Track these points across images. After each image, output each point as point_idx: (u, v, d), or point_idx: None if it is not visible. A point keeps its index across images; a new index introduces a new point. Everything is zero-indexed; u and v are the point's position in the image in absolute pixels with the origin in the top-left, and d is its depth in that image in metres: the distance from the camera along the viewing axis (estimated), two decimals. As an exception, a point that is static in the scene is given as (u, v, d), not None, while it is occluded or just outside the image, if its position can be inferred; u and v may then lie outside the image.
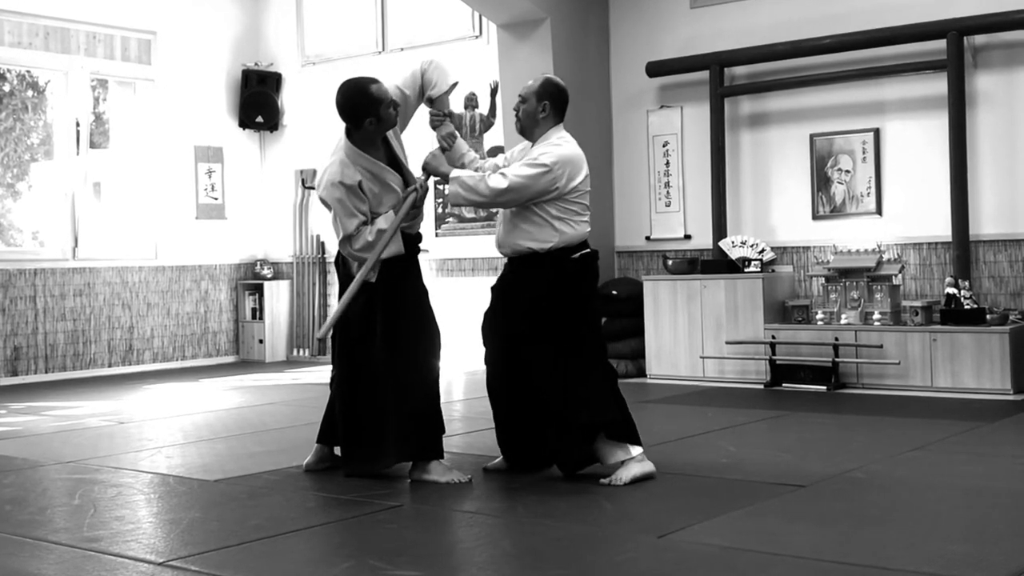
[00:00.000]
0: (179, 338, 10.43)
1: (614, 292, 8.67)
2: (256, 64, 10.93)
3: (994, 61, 7.53)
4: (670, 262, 8.41)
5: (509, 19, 8.69)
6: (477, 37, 9.63)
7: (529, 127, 4.79)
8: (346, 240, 4.66)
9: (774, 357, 7.72)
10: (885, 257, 7.72)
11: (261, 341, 10.74)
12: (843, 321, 7.60)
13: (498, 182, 4.54)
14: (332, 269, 8.95)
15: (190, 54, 10.56)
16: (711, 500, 4.26)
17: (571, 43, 8.79)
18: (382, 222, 4.66)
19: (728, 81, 8.51)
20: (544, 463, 4.76)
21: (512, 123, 4.98)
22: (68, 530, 4.02)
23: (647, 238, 8.99)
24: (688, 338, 8.18)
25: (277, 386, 8.67)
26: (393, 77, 4.89)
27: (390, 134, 4.78)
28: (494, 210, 5.45)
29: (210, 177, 10.72)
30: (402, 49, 10.02)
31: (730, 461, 5.05)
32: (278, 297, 10.81)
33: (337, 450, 4.95)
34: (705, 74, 8.51)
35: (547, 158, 4.60)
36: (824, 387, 7.46)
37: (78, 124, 9.81)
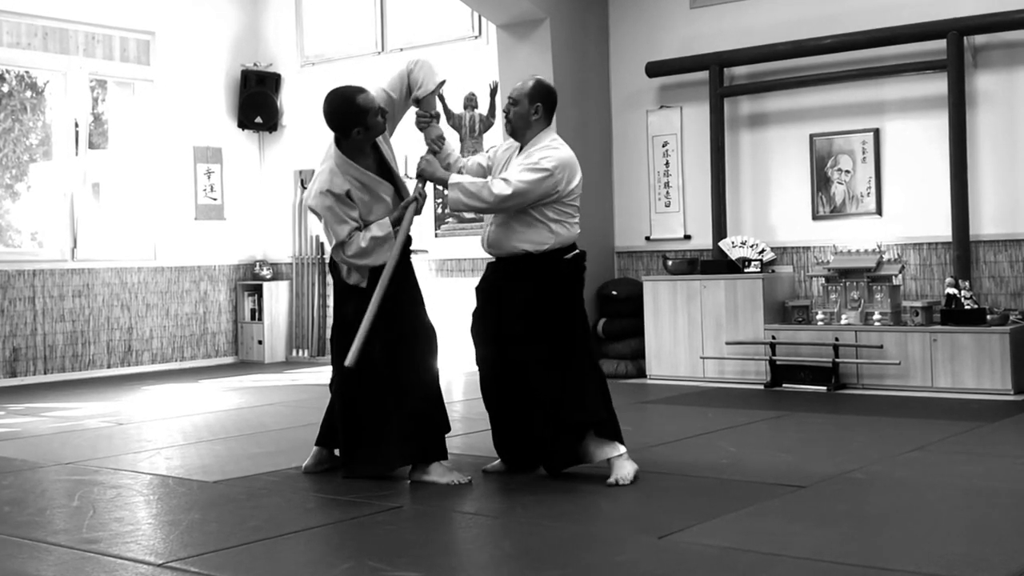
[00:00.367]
0: (178, 339, 10.43)
1: (614, 292, 8.67)
2: (255, 64, 10.92)
3: (994, 61, 7.53)
4: (670, 262, 8.41)
5: (508, 19, 8.68)
6: (476, 37, 9.62)
7: (521, 129, 4.78)
8: (339, 247, 4.65)
9: (774, 357, 7.71)
10: (885, 257, 7.72)
11: (260, 342, 10.74)
12: (843, 321, 7.59)
13: (502, 188, 4.54)
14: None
15: (189, 54, 10.55)
16: (711, 501, 4.26)
17: (571, 43, 8.79)
18: (376, 229, 4.65)
19: (728, 81, 8.50)
20: (538, 463, 4.76)
21: (511, 123, 4.97)
22: (67, 531, 4.01)
23: (647, 238, 8.98)
24: (688, 338, 8.17)
25: (276, 387, 8.66)
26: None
27: (379, 139, 4.77)
28: None
29: (209, 178, 10.71)
30: (401, 49, 10.01)
31: (730, 462, 5.04)
32: (277, 298, 10.80)
33: (337, 452, 4.94)
34: (705, 74, 8.50)
35: (549, 163, 4.60)
36: (824, 387, 7.45)
37: (77, 125, 9.80)
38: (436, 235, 9.78)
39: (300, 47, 10.91)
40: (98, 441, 6.10)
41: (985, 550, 3.48)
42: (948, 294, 7.25)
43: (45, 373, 9.44)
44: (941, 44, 7.55)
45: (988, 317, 7.12)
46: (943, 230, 7.61)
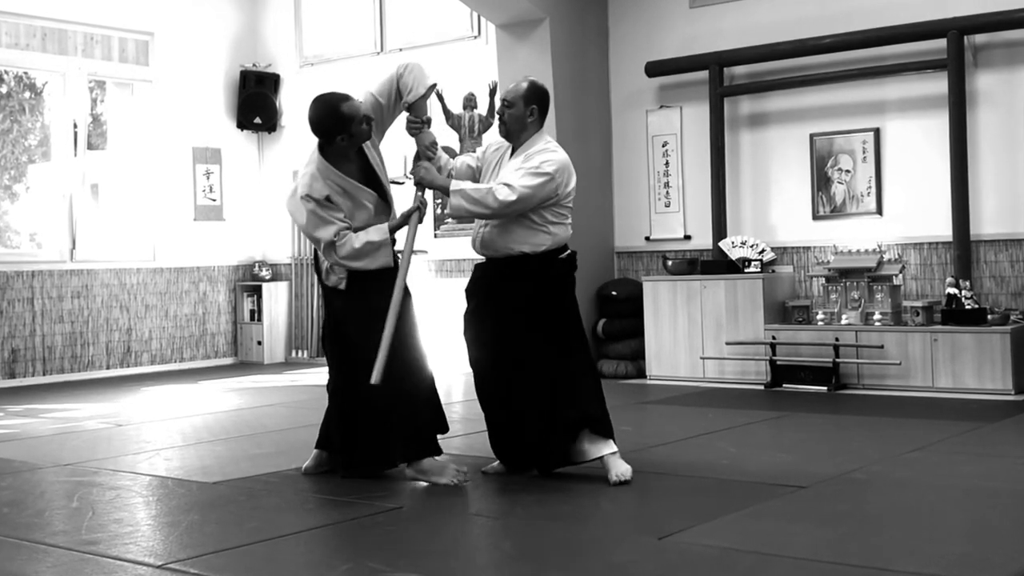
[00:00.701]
0: (177, 340, 10.42)
1: (614, 293, 8.66)
2: (254, 65, 10.91)
3: (994, 60, 7.52)
4: (670, 262, 8.40)
5: (508, 19, 8.67)
6: (476, 37, 9.61)
7: (516, 131, 4.78)
8: (329, 248, 4.60)
9: (774, 358, 7.70)
10: (886, 257, 7.71)
11: (260, 343, 10.73)
12: (844, 321, 7.58)
13: (506, 194, 4.54)
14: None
15: (188, 55, 10.54)
16: (711, 501, 4.25)
17: (570, 43, 8.78)
18: (375, 234, 4.62)
19: (728, 81, 8.49)
20: (532, 462, 4.76)
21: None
22: (66, 533, 4.00)
23: (647, 238, 8.97)
24: (688, 339, 8.16)
25: (276, 388, 8.65)
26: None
27: (365, 145, 4.74)
28: None
29: (208, 178, 10.70)
30: (401, 50, 10.00)
31: (730, 462, 5.04)
32: (276, 299, 10.80)
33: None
34: (704, 74, 8.50)
35: (550, 166, 4.61)
36: (825, 388, 7.44)
37: (75, 125, 9.79)
38: (435, 236, 9.78)
39: (299, 47, 10.90)
40: (97, 442, 6.09)
41: (986, 550, 3.47)
42: (949, 294, 7.24)
43: (44, 374, 9.43)
44: (941, 43, 7.54)
45: (989, 317, 7.11)
46: (944, 230, 7.60)
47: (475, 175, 4.90)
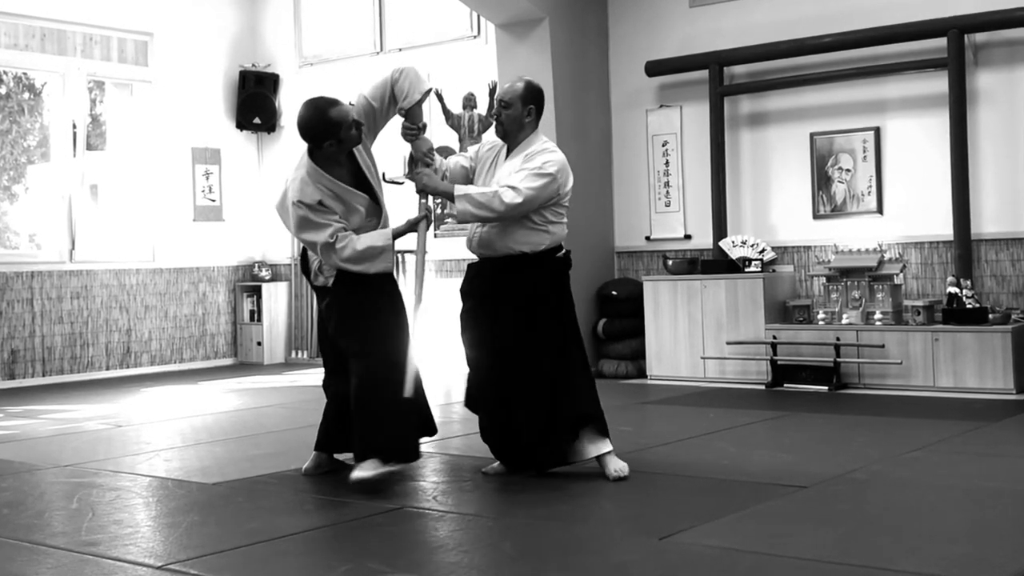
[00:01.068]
0: (177, 341, 10.41)
1: (614, 292, 8.65)
2: (253, 65, 10.90)
3: (995, 59, 7.51)
4: (670, 262, 8.39)
5: (507, 19, 8.66)
6: (475, 37, 9.60)
7: (514, 132, 4.78)
8: (327, 249, 4.55)
9: (775, 357, 7.69)
10: (886, 256, 7.70)
11: (259, 343, 10.72)
12: (844, 321, 7.57)
13: (512, 197, 4.54)
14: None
15: (187, 55, 10.54)
16: (712, 501, 4.24)
17: (570, 43, 8.77)
18: (379, 239, 4.59)
19: (728, 80, 8.48)
20: (530, 460, 4.76)
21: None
22: (66, 534, 3.99)
23: (647, 238, 8.96)
24: (688, 338, 8.15)
25: (275, 388, 8.65)
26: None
27: (356, 148, 4.69)
28: None
29: (208, 179, 10.69)
30: (400, 50, 10.00)
31: (731, 462, 5.03)
32: (276, 299, 10.79)
33: (338, 456, 4.93)
34: (704, 73, 8.49)
35: (552, 167, 4.64)
36: (825, 387, 7.44)
37: (75, 126, 9.78)
38: (436, 235, 9.76)
39: (298, 47, 10.89)
40: (97, 443, 6.08)
41: (987, 551, 3.47)
42: (950, 293, 7.23)
43: (43, 375, 9.42)
44: (941, 42, 7.53)
45: (990, 316, 7.11)
46: (944, 229, 7.59)
47: (468, 175, 4.90)
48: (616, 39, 9.12)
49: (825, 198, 8.12)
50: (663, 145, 8.87)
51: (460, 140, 8.82)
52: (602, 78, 9.11)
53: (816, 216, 8.17)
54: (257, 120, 10.84)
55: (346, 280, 4.63)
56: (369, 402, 4.53)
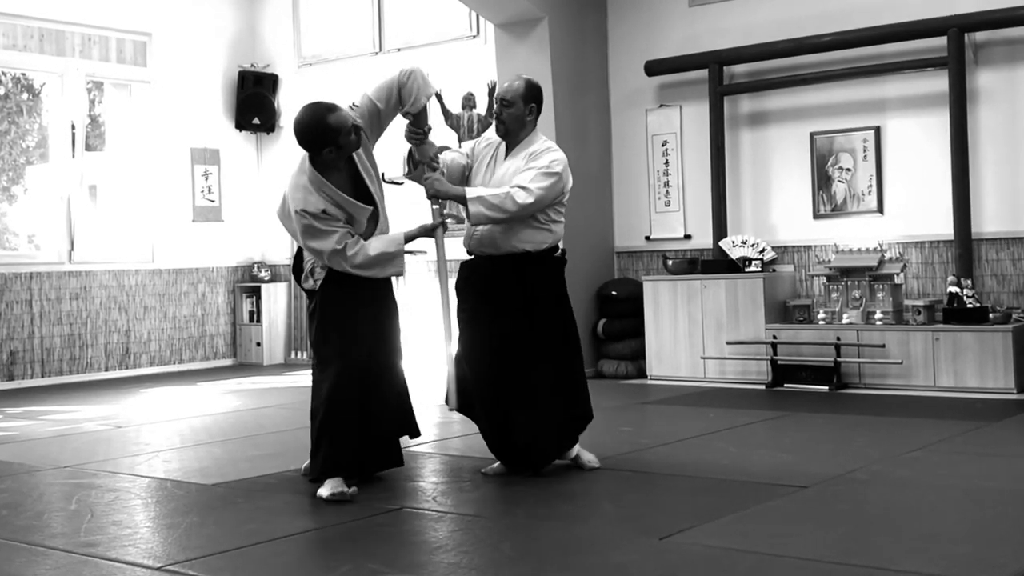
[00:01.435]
0: (176, 341, 10.40)
1: (614, 292, 8.65)
2: (252, 65, 10.90)
3: (995, 58, 7.50)
4: (670, 262, 8.38)
5: (507, 19, 8.65)
6: (474, 37, 9.59)
7: (516, 130, 4.80)
8: (337, 256, 4.48)
9: (775, 357, 7.68)
10: (887, 256, 7.69)
11: (259, 344, 10.71)
12: (845, 321, 7.56)
13: (525, 197, 4.56)
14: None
15: (186, 56, 10.53)
16: (712, 501, 4.23)
17: (569, 42, 8.76)
18: (392, 245, 4.56)
19: (727, 79, 8.48)
20: (528, 459, 4.76)
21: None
22: (65, 535, 3.99)
23: (647, 238, 8.95)
24: (688, 338, 8.15)
25: (275, 389, 8.64)
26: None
27: (356, 152, 4.64)
28: None
29: (207, 179, 10.69)
30: (399, 49, 9.99)
31: (731, 462, 5.02)
32: (275, 300, 10.78)
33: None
34: (704, 73, 8.48)
35: (558, 166, 4.67)
36: (826, 387, 7.43)
37: (74, 127, 9.77)
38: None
39: (297, 47, 10.88)
40: (96, 444, 6.07)
41: (987, 551, 3.46)
42: (950, 292, 7.22)
43: (42, 376, 9.41)
44: (942, 41, 7.53)
45: (991, 315, 7.10)
46: (945, 228, 7.59)
47: (465, 172, 4.89)
48: (616, 39, 9.11)
49: (825, 198, 8.11)
50: (663, 145, 8.86)
51: (459, 140, 8.82)
52: (602, 78, 9.10)
53: (816, 216, 8.16)
54: (256, 120, 10.83)
55: (333, 286, 4.57)
56: (336, 415, 4.50)
